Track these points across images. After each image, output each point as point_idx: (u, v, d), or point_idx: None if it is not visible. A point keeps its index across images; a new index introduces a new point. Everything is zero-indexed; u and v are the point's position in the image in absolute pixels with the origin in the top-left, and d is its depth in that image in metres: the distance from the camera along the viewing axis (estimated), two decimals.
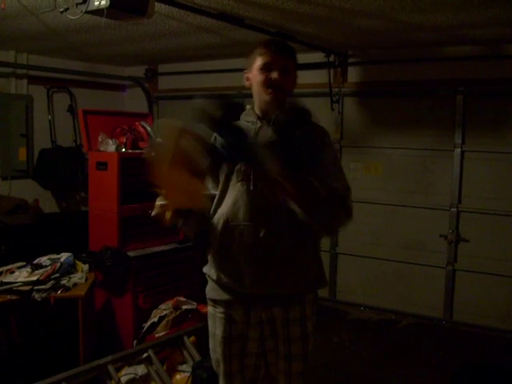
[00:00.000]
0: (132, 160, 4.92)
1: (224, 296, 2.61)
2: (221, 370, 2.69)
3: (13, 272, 4.36)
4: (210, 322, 2.72)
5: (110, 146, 4.93)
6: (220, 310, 2.65)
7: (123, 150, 5.01)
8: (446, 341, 5.52)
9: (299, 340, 2.67)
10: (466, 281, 5.92)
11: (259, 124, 2.56)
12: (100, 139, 5.02)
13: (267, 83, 2.51)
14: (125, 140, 5.09)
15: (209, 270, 2.66)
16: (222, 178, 2.58)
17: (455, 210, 5.89)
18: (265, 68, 2.52)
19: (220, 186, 2.58)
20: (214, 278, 2.61)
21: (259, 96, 2.57)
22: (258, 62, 2.54)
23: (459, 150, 5.80)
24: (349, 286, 6.66)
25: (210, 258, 2.65)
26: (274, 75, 2.49)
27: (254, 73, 2.57)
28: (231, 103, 2.46)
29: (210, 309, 2.72)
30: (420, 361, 5.06)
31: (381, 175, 6.33)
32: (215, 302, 2.67)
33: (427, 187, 6.08)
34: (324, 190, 2.38)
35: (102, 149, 5.03)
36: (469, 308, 5.89)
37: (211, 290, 2.68)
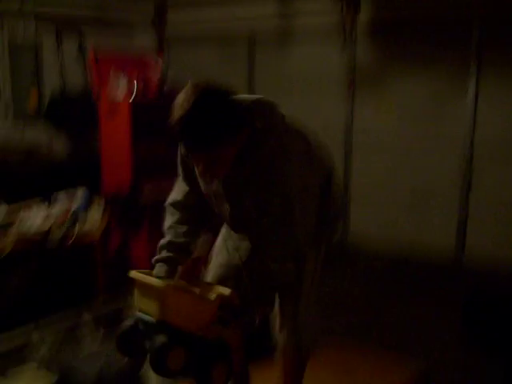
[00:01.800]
0: (142, 107, 4.92)
1: None
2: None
3: (30, 208, 4.42)
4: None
5: (121, 88, 4.92)
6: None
7: (134, 92, 5.00)
8: (458, 281, 5.57)
9: None
10: (477, 225, 5.94)
11: None
12: (110, 81, 5.01)
13: (200, 175, 2.20)
14: (135, 87, 5.08)
15: None
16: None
17: (469, 155, 5.86)
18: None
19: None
20: None
21: None
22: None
23: (472, 92, 5.74)
24: (360, 229, 6.68)
25: None
26: (200, 169, 2.07)
27: None
28: None
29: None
30: (430, 302, 5.13)
31: (394, 117, 6.28)
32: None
33: (440, 130, 6.04)
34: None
35: (112, 91, 5.03)
36: (480, 252, 5.91)
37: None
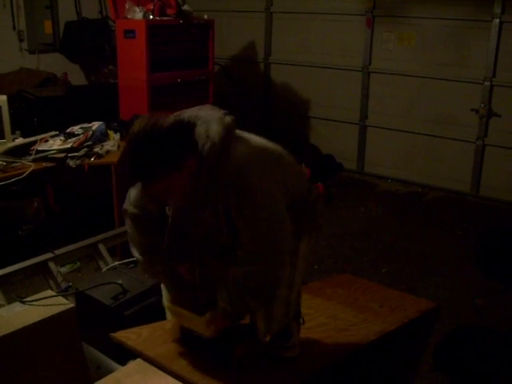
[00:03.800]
0: (160, 27, 4.85)
1: None
2: None
3: (47, 141, 4.43)
4: None
5: (138, 14, 4.84)
6: None
7: (151, 17, 4.91)
8: (472, 214, 5.60)
9: None
10: (495, 156, 5.90)
11: None
12: (127, 7, 4.92)
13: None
14: (152, 7, 4.97)
15: None
16: None
17: (489, 83, 5.75)
18: None
19: None
20: None
21: None
22: None
23: (498, 20, 5.56)
24: (377, 159, 6.69)
25: None
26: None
27: None
28: None
29: None
30: (445, 232, 5.17)
31: (414, 46, 6.16)
32: None
33: (461, 59, 5.91)
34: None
35: (129, 16, 4.94)
36: (496, 183, 5.91)
37: None
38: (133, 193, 2.23)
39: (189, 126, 1.94)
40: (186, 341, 2.27)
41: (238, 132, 2.05)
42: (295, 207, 2.09)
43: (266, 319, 2.13)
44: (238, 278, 1.97)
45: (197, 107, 2.06)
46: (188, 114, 2.00)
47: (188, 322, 2.21)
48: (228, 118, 2.00)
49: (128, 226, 2.29)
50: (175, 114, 2.00)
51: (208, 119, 1.97)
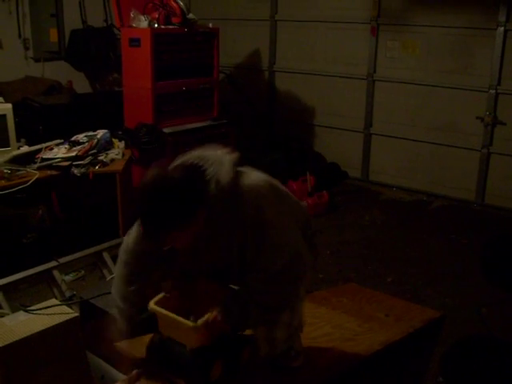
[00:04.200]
0: (165, 36, 4.86)
1: None
2: None
3: (51, 149, 4.44)
4: None
5: (143, 22, 4.86)
6: None
7: (156, 25, 4.93)
8: (477, 222, 5.58)
9: None
10: (500, 164, 5.88)
11: None
12: (132, 15, 4.94)
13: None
14: (157, 15, 4.99)
15: None
16: None
17: (494, 91, 5.74)
18: None
19: None
20: None
21: None
22: None
23: (502, 28, 5.56)
24: (382, 167, 6.68)
25: None
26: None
27: None
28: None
29: None
30: (450, 240, 5.15)
31: (418, 54, 6.16)
32: None
33: (466, 68, 5.91)
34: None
35: (134, 25, 4.96)
36: (501, 192, 5.88)
37: None
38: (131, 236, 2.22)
39: (198, 171, 1.92)
40: (156, 356, 2.19)
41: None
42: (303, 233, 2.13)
43: (269, 342, 2.12)
44: (254, 287, 1.97)
45: (200, 149, 2.04)
46: (194, 156, 2.00)
47: (172, 329, 2.11)
48: (234, 156, 2.00)
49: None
50: (181, 158, 2.01)
51: (216, 159, 1.96)
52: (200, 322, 1.99)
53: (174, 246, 1.99)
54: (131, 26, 5.02)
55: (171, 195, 1.85)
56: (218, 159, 1.96)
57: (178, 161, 1.99)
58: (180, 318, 2.03)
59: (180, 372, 2.11)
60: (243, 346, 2.18)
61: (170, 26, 5.08)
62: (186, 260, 2.14)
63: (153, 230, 1.91)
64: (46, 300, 2.39)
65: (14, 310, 3.03)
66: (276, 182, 2.14)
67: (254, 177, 2.02)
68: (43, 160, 4.20)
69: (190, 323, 2.01)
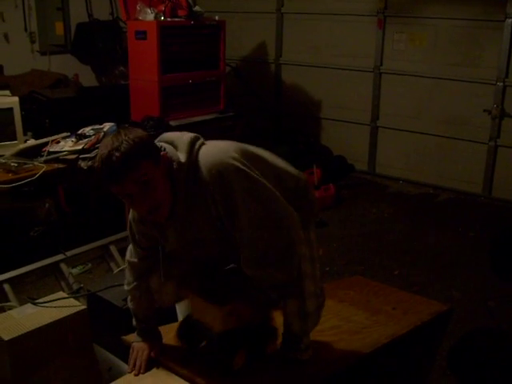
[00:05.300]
0: (171, 28, 4.85)
1: None
2: None
3: (58, 142, 4.43)
4: None
5: (149, 15, 4.85)
6: None
7: (162, 18, 4.92)
8: (484, 215, 5.55)
9: None
10: (507, 157, 5.85)
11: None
12: (138, 8, 4.93)
13: (139, 216, 2.13)
14: (163, 8, 4.98)
15: None
16: None
17: (502, 84, 5.70)
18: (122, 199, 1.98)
19: None
20: None
21: None
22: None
23: (510, 20, 5.52)
24: (388, 160, 6.67)
25: None
26: (135, 207, 2.01)
27: None
28: None
29: None
30: (457, 233, 5.13)
31: (425, 47, 6.12)
32: None
33: (473, 60, 5.87)
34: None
35: (140, 18, 4.95)
36: (509, 185, 5.85)
37: None
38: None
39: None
40: (185, 337, 2.21)
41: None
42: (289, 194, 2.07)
43: (301, 315, 2.14)
44: (257, 255, 1.94)
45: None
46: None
47: (200, 312, 2.13)
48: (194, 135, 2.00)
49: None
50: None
51: (176, 139, 1.98)
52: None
53: (153, 216, 1.94)
54: (137, 19, 5.01)
55: (137, 137, 1.84)
56: (177, 139, 1.98)
57: None
58: (207, 302, 2.05)
59: (206, 355, 2.12)
60: (269, 339, 2.18)
61: (177, 19, 5.06)
62: (176, 244, 2.10)
63: (120, 161, 1.78)
64: (53, 293, 2.41)
65: (21, 302, 3.04)
66: (244, 148, 2.06)
67: (213, 149, 1.97)
68: (50, 153, 4.18)
69: (216, 306, 2.02)
